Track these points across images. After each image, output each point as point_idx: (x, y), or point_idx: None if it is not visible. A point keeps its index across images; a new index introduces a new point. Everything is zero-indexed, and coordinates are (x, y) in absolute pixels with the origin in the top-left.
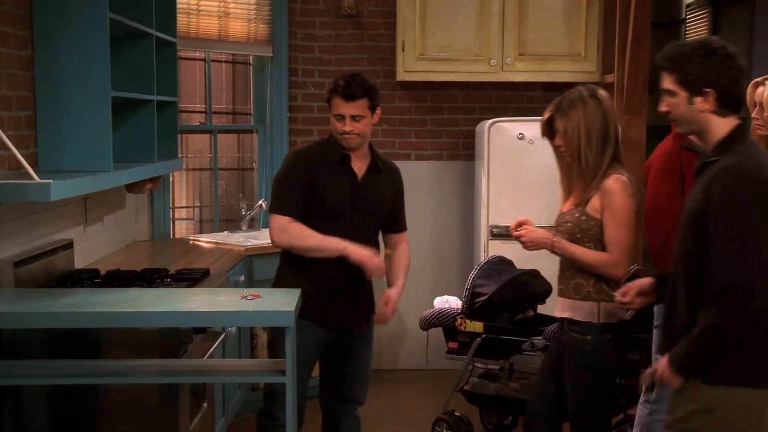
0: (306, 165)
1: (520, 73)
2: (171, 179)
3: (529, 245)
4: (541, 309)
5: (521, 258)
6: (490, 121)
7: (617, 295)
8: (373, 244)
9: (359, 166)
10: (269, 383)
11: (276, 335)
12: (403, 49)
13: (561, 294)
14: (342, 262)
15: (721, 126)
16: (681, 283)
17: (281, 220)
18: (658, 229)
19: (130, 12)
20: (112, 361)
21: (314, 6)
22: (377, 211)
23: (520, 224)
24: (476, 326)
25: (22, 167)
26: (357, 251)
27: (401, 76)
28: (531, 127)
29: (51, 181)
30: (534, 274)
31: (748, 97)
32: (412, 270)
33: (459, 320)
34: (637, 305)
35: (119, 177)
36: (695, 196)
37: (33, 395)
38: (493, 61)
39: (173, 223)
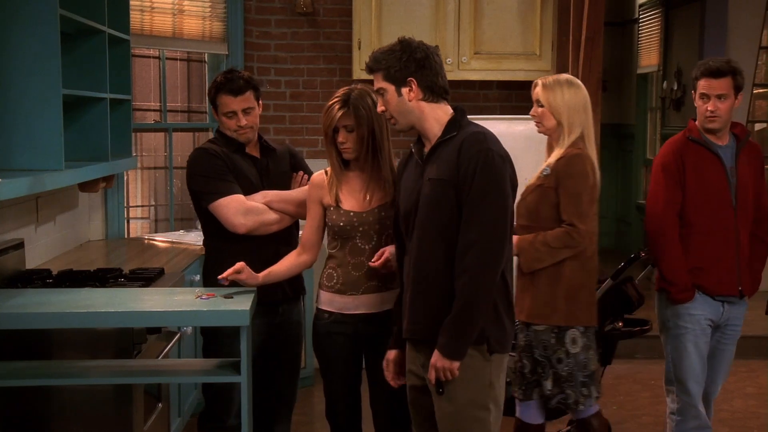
0: (220, 158)
1: (476, 71)
2: (125, 178)
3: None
4: None
5: None
6: None
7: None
8: None
9: (253, 151)
10: (209, 385)
11: (211, 338)
12: (360, 48)
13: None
14: (273, 235)
15: (437, 111)
16: (440, 267)
17: (235, 201)
18: (652, 217)
19: (81, 8)
20: (64, 362)
21: (270, 4)
22: (284, 183)
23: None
24: None
25: None
26: None
27: (357, 74)
28: (487, 126)
29: (0, 180)
30: None
31: (532, 96)
32: None
33: None
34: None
35: (71, 176)
36: (439, 173)
37: None
38: (449, 59)
39: (128, 222)
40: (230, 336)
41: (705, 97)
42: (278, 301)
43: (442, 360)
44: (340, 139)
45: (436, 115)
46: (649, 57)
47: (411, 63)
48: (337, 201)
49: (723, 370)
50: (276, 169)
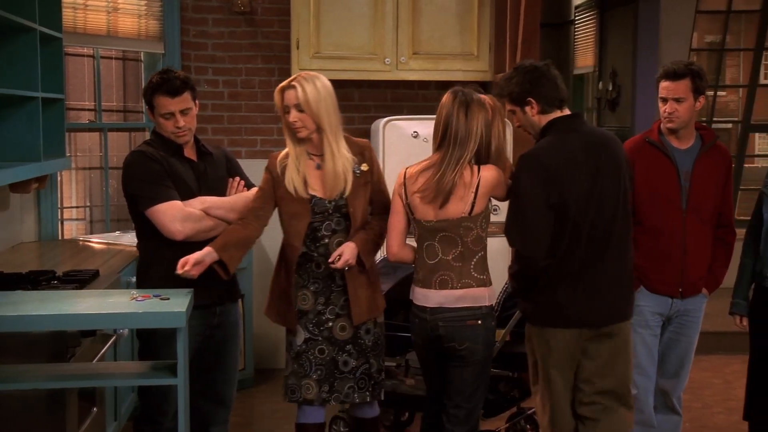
0: (157, 162)
1: (415, 71)
2: (59, 179)
3: None
4: None
5: None
6: (385, 119)
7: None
8: None
9: (191, 154)
10: (145, 388)
11: (147, 340)
12: (298, 47)
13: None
14: (210, 240)
15: (543, 121)
16: None
17: (173, 207)
18: None
19: (10, 5)
20: None
21: (207, 3)
22: (221, 187)
23: None
24: None
25: None
26: None
27: (296, 74)
28: (425, 126)
29: None
30: None
31: (276, 103)
32: None
33: None
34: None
35: (1, 176)
36: None
37: None
38: (387, 59)
39: (62, 223)
40: (167, 338)
41: (664, 99)
42: (215, 303)
43: None
44: None
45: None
46: (585, 58)
47: (526, 85)
48: None
49: (681, 363)
50: (213, 173)
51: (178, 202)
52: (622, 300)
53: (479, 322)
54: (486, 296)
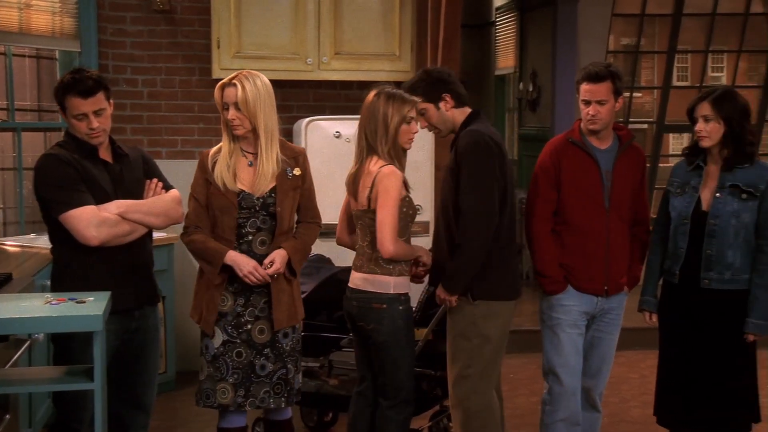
0: (71, 165)
1: (337, 71)
2: None
3: None
4: None
5: (339, 256)
6: (307, 119)
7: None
8: None
9: (106, 155)
10: (60, 393)
11: (63, 345)
12: (219, 47)
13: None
14: (126, 244)
15: (459, 115)
16: (443, 232)
17: (87, 212)
18: (527, 214)
19: None
20: None
21: (125, 0)
22: (138, 190)
23: None
24: None
25: None
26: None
27: (217, 74)
28: (348, 126)
29: None
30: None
31: (216, 99)
32: None
33: None
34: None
35: None
36: (449, 161)
37: None
38: (309, 59)
39: None
40: (83, 342)
41: (587, 102)
42: (134, 307)
43: (443, 291)
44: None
45: (461, 117)
46: (506, 59)
47: (439, 83)
48: None
49: (603, 360)
50: (129, 176)
51: (92, 207)
52: None
53: (384, 306)
54: (391, 284)
